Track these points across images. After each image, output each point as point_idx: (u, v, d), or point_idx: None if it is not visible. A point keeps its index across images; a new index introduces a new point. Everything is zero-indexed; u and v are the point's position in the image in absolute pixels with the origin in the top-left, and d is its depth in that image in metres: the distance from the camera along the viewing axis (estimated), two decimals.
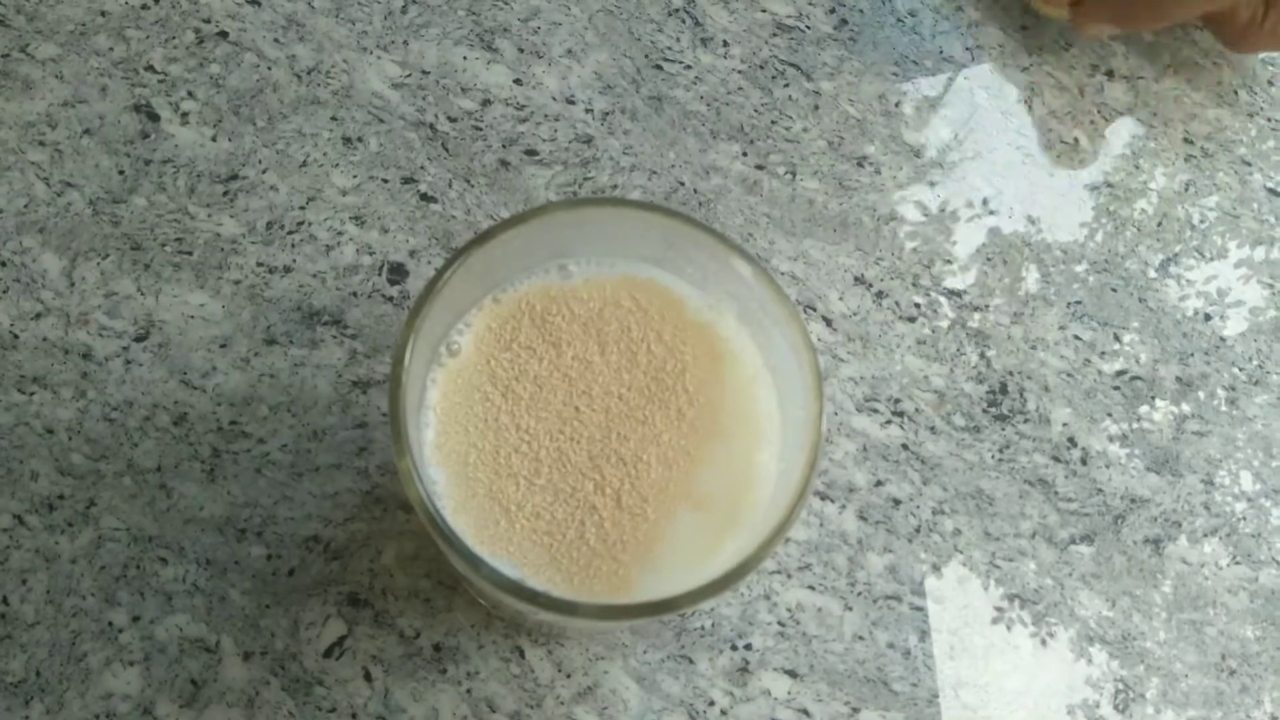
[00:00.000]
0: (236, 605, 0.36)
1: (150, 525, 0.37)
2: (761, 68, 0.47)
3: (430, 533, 0.26)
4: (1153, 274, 0.46)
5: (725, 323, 0.31)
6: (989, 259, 0.45)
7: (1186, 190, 0.48)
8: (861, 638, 0.38)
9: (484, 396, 0.30)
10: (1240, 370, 0.45)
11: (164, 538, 0.36)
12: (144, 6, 0.44)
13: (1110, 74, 0.49)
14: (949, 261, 0.45)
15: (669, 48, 0.47)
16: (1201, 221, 0.47)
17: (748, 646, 0.37)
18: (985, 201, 0.46)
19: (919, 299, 0.44)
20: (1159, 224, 0.47)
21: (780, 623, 0.38)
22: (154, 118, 0.42)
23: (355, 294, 0.40)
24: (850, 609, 0.38)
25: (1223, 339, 0.45)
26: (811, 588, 0.39)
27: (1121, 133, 0.48)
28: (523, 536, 0.29)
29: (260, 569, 0.36)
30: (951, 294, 0.44)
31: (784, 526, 0.26)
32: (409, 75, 0.44)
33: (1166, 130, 0.49)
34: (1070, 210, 0.47)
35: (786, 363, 0.29)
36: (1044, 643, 0.39)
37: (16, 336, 0.38)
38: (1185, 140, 0.49)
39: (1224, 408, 0.44)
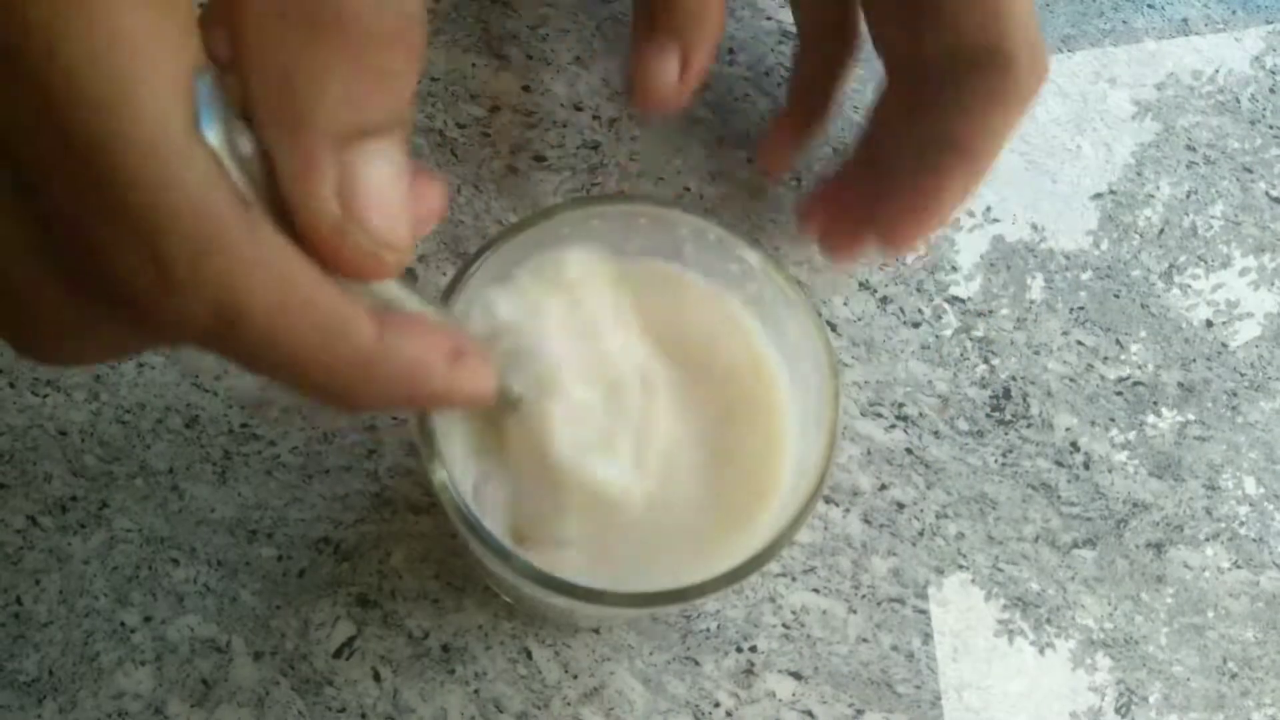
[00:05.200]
0: (247, 606, 0.36)
1: (162, 526, 0.37)
2: (767, 74, 0.47)
3: (459, 527, 0.26)
4: (1156, 281, 0.46)
5: (738, 314, 0.31)
6: (992, 265, 0.45)
7: (1189, 198, 0.48)
8: (865, 640, 0.38)
9: (502, 391, 0.30)
10: (1242, 376, 0.45)
11: (176, 539, 0.37)
12: None
13: (1112, 81, 0.50)
14: (953, 268, 0.45)
15: None
16: (1205, 229, 0.48)
17: (753, 648, 0.38)
18: (989, 209, 0.46)
19: (923, 305, 0.44)
20: (1161, 231, 0.47)
21: (785, 625, 0.38)
22: None
23: None
24: (854, 612, 0.39)
25: (1225, 345, 0.46)
26: (816, 590, 0.39)
27: (1124, 140, 0.49)
28: (542, 527, 0.29)
29: (271, 570, 0.37)
30: (955, 300, 0.44)
31: (807, 508, 0.27)
32: (418, 82, 0.45)
33: (1169, 137, 0.49)
34: (1073, 218, 0.47)
35: (799, 349, 0.29)
36: (1046, 646, 0.40)
37: None
38: (1188, 147, 0.49)
39: (1226, 413, 0.44)
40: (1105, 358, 0.44)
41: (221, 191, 0.16)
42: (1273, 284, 0.47)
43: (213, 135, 0.16)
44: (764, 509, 0.29)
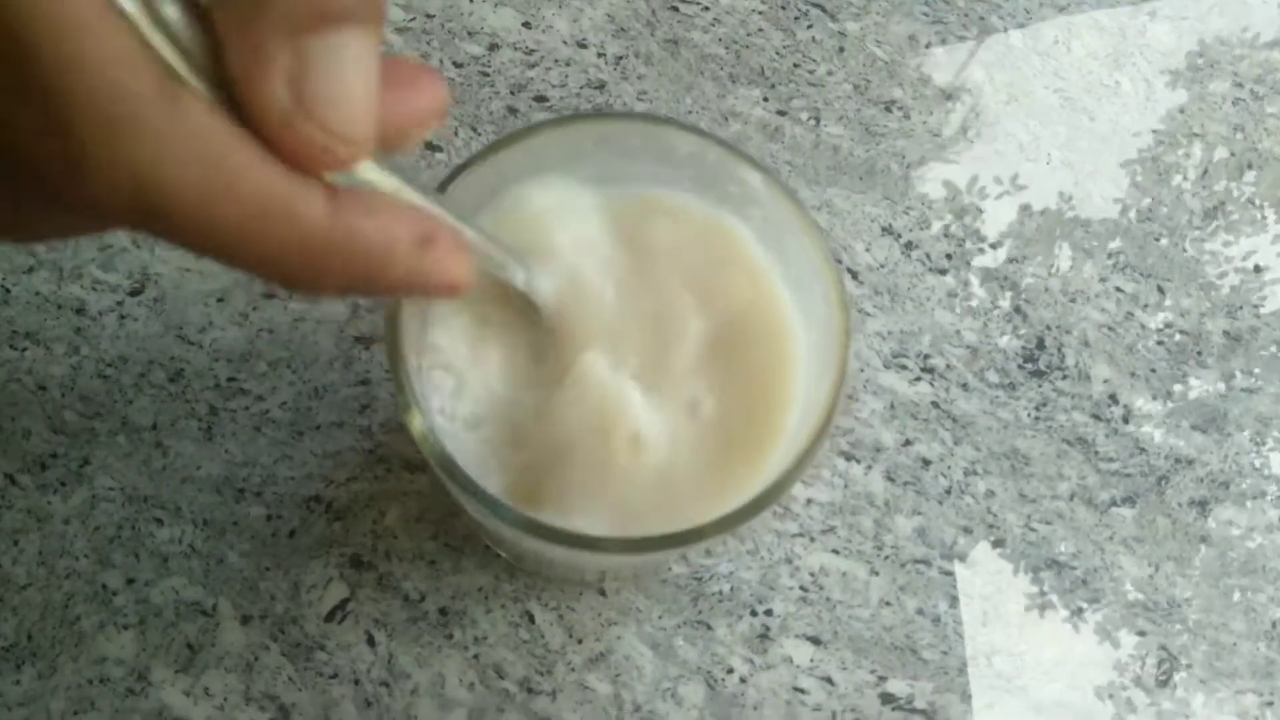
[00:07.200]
0: (235, 567, 0.34)
1: (145, 485, 0.35)
2: (783, 8, 0.45)
3: (444, 480, 0.24)
4: (1199, 224, 0.43)
5: (743, 238, 0.28)
6: (1024, 208, 0.43)
7: (1234, 135, 0.45)
8: (888, 603, 0.36)
9: (495, 329, 0.28)
10: None
11: (160, 498, 0.35)
12: None
13: (1153, 14, 0.47)
14: (981, 211, 0.42)
15: None
16: (1250, 168, 0.45)
17: (768, 612, 0.36)
18: (1021, 148, 0.44)
19: (950, 250, 0.41)
20: (1205, 172, 0.44)
21: (803, 587, 0.36)
22: None
23: None
24: (877, 573, 0.37)
25: (1273, 291, 0.43)
26: (836, 551, 0.37)
27: (1166, 75, 0.46)
28: (538, 473, 0.27)
29: (259, 530, 0.35)
30: (985, 244, 0.42)
31: (813, 448, 0.24)
32: (413, 19, 0.42)
33: (1214, 72, 0.46)
34: (1111, 157, 0.44)
35: (807, 281, 0.27)
36: (1082, 610, 0.37)
37: (8, 291, 0.37)
38: (1234, 83, 0.46)
39: (1275, 363, 0.41)
40: (1145, 305, 0.42)
41: (137, 67, 0.15)
42: None
43: (129, 2, 0.15)
44: (771, 452, 0.26)
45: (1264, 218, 0.44)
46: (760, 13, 0.44)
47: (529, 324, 0.27)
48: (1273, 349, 0.42)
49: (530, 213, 0.27)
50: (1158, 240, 0.43)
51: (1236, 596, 0.38)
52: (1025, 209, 0.43)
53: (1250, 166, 0.45)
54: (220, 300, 0.37)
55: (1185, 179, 0.44)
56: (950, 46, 0.45)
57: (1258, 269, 0.43)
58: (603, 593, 0.35)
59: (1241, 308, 0.42)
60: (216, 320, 0.37)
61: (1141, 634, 0.37)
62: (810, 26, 0.44)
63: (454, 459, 0.24)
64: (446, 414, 0.27)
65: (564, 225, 0.27)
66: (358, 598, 0.34)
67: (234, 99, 0.16)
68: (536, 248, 0.27)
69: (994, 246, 0.42)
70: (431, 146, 0.41)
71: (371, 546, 0.35)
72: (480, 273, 0.23)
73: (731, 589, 0.36)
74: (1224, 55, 0.46)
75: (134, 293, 0.38)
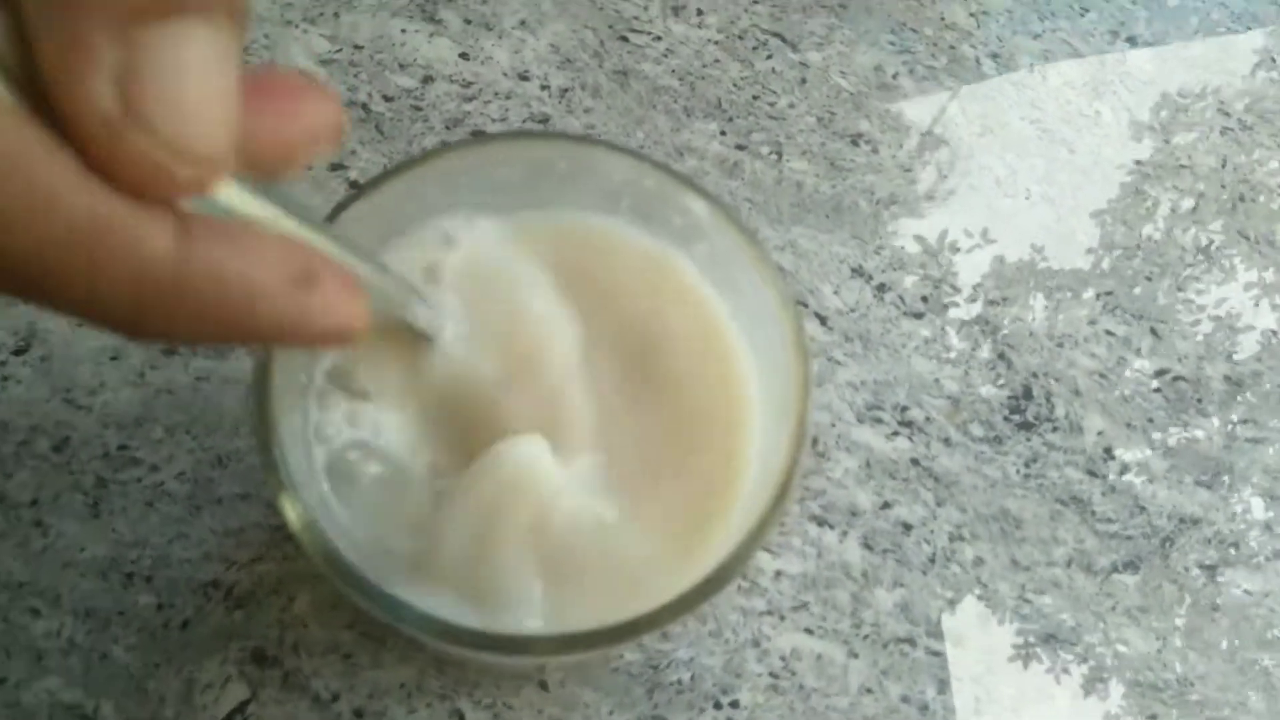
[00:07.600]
0: (120, 664, 0.30)
1: (21, 570, 0.31)
2: (741, 38, 0.42)
3: (333, 580, 0.20)
4: (1193, 261, 0.40)
5: (688, 279, 0.25)
6: (1004, 246, 0.39)
7: (1224, 165, 0.42)
8: (870, 690, 0.32)
9: (398, 389, 0.24)
10: None
11: (37, 584, 0.31)
12: None
13: (1133, 40, 0.44)
14: (958, 250, 0.39)
15: (636, 17, 0.41)
16: (1246, 201, 0.42)
17: (734, 704, 0.31)
18: (998, 183, 0.41)
19: (927, 291, 0.38)
20: (1196, 206, 0.41)
21: (773, 674, 0.32)
22: None
23: None
24: (855, 656, 0.33)
25: (1275, 332, 0.39)
26: (809, 631, 0.33)
27: (1149, 104, 0.43)
28: (455, 564, 0.23)
29: (149, 621, 0.31)
30: (963, 285, 0.38)
31: (771, 517, 0.21)
32: (339, 50, 0.39)
33: (1198, 101, 0.43)
34: (1094, 190, 0.41)
35: (761, 322, 0.23)
36: (1084, 689, 0.33)
37: None
38: (1220, 111, 0.43)
39: None
40: (1139, 349, 0.38)
41: None
42: None
43: None
44: (723, 522, 0.23)
45: (1262, 252, 0.41)
46: (716, 43, 0.41)
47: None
48: (1278, 395, 0.38)
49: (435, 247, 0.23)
50: (1149, 279, 0.40)
51: (1254, 671, 0.34)
52: (1004, 247, 0.39)
53: (1242, 199, 0.42)
54: (114, 358, 0.33)
55: (1174, 213, 0.41)
56: (919, 76, 0.42)
57: (1257, 305, 0.40)
58: (544, 685, 0.31)
59: (1240, 350, 0.39)
60: (109, 381, 0.33)
61: (1151, 717, 0.33)
62: (770, 57, 0.41)
63: (342, 554, 0.20)
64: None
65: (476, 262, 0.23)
66: (259, 699, 0.30)
67: (51, 106, 0.13)
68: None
69: (974, 287, 0.38)
70: (356, 186, 0.37)
71: (277, 639, 0.31)
72: (376, 314, 0.20)
73: (692, 677, 0.32)
74: (1209, 83, 0.44)
75: (19, 351, 0.34)
